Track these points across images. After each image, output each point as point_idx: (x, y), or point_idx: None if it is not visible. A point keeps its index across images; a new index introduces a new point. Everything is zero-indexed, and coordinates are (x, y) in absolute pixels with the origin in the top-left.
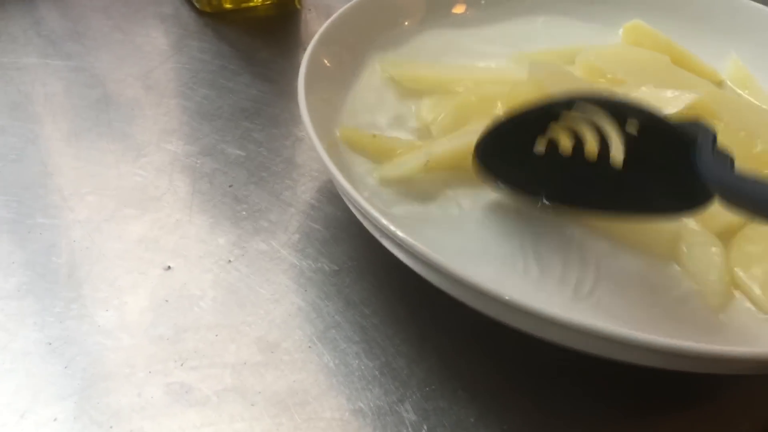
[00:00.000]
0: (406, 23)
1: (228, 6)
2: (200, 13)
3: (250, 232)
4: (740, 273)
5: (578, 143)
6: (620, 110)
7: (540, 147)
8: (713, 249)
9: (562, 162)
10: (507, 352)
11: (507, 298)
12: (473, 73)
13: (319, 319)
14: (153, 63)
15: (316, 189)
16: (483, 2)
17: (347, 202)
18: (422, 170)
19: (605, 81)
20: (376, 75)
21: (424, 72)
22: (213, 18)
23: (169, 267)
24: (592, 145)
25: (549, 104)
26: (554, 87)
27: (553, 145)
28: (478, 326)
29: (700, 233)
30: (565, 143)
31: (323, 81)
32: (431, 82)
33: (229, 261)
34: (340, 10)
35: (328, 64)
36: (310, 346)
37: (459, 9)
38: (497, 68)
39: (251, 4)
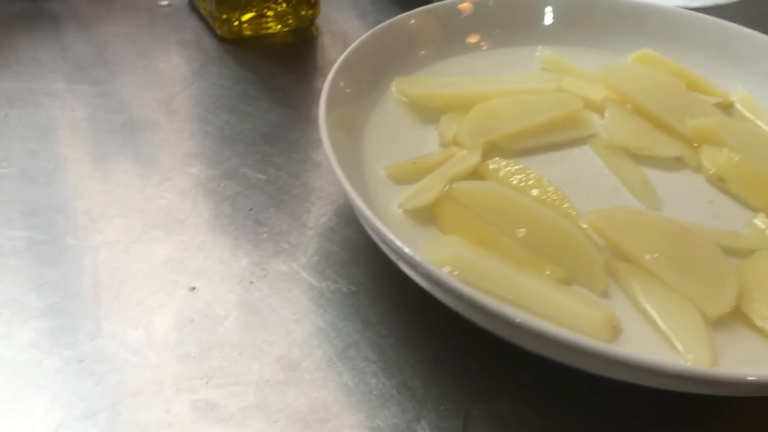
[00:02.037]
0: (422, 52)
1: (248, 33)
2: (221, 39)
3: (271, 253)
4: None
5: None
6: None
7: None
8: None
9: None
10: (522, 372)
11: (518, 321)
12: (492, 86)
13: (339, 339)
14: (176, 89)
15: (333, 212)
16: (497, 32)
17: (369, 231)
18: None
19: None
20: (393, 101)
21: (441, 89)
22: (233, 45)
23: (193, 288)
24: None
25: None
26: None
27: None
28: (493, 346)
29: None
30: None
31: (342, 108)
32: (449, 99)
33: (252, 282)
34: (360, 39)
35: (347, 91)
36: (329, 365)
37: (473, 39)
38: (515, 80)
39: (270, 31)
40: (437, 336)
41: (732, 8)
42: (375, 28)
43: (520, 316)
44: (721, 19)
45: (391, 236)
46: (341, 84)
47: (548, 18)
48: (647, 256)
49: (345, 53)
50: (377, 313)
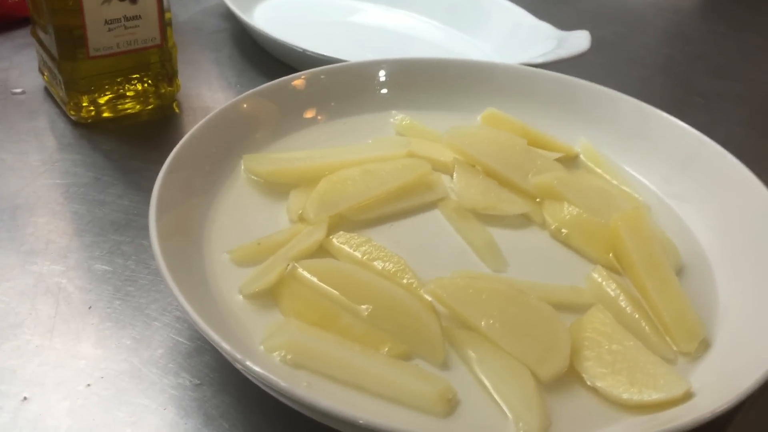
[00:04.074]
0: (260, 133)
1: (107, 115)
2: (77, 124)
3: (113, 351)
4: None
5: None
6: None
7: None
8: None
9: None
10: None
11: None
12: (340, 157)
13: None
14: (24, 181)
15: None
16: (333, 104)
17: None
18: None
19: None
20: (243, 181)
21: (288, 165)
22: (90, 128)
23: (25, 398)
24: None
25: None
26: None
27: None
28: None
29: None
30: None
31: (179, 205)
32: (296, 174)
33: (88, 385)
34: (190, 131)
35: (182, 187)
36: None
37: (310, 113)
38: (364, 149)
39: (129, 111)
40: (280, 424)
41: (572, 61)
42: (203, 120)
43: (337, 408)
44: (562, 74)
45: (208, 330)
46: (173, 184)
47: (390, 84)
48: (483, 322)
49: (172, 153)
50: (220, 406)
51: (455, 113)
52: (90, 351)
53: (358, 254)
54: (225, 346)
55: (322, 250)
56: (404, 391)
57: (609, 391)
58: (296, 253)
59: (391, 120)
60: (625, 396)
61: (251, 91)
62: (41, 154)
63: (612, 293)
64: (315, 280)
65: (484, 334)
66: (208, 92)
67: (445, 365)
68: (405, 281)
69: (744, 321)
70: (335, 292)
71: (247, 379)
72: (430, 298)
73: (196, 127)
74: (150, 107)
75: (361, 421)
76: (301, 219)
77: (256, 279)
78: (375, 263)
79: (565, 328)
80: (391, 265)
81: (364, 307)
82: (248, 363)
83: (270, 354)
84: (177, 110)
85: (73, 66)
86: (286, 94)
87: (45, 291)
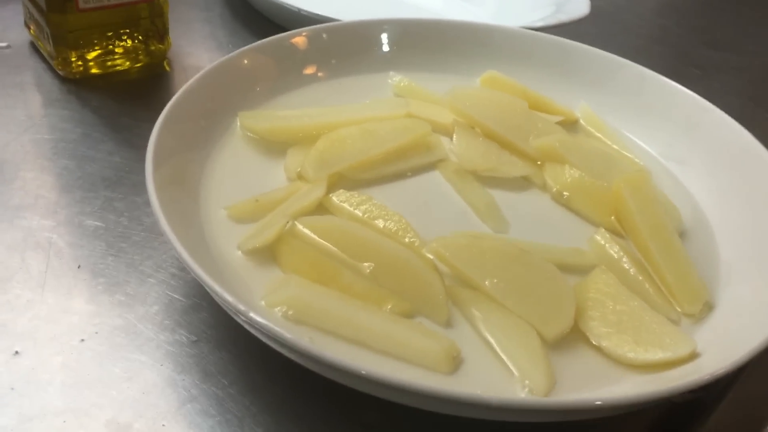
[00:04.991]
0: (258, 89)
1: (95, 71)
2: (64, 80)
3: (106, 307)
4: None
5: None
6: None
7: None
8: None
9: None
10: (368, 412)
11: (364, 372)
12: (339, 116)
13: (174, 395)
14: (11, 135)
15: (176, 257)
16: (334, 62)
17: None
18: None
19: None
20: (239, 138)
21: (286, 122)
22: (78, 84)
23: (16, 352)
24: None
25: None
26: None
27: None
28: (337, 387)
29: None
30: None
31: (175, 157)
32: (294, 132)
33: (82, 340)
34: (188, 83)
35: (180, 139)
36: (163, 425)
37: (310, 70)
38: (363, 108)
39: (119, 68)
40: (281, 382)
41: (574, 26)
42: (201, 73)
43: (341, 359)
44: (563, 38)
45: (210, 281)
46: (169, 136)
47: (390, 45)
48: (487, 282)
49: (168, 105)
50: (218, 363)
51: (453, 76)
52: (83, 306)
53: (358, 212)
54: (228, 297)
55: (321, 209)
56: (409, 347)
57: (614, 350)
58: (296, 210)
59: (389, 81)
60: (630, 355)
61: (250, 45)
62: (28, 109)
63: (615, 255)
64: (315, 236)
65: (487, 293)
66: (199, 51)
67: (448, 324)
68: (407, 240)
69: (746, 284)
70: (336, 249)
71: (246, 335)
72: (432, 257)
73: (193, 79)
74: (139, 65)
75: (365, 373)
76: (300, 177)
77: (255, 235)
78: (376, 222)
79: (569, 287)
80: (393, 224)
81: (366, 264)
82: (252, 315)
83: (271, 309)
84: (168, 68)
85: (62, 19)
86: (286, 50)
87: (35, 246)
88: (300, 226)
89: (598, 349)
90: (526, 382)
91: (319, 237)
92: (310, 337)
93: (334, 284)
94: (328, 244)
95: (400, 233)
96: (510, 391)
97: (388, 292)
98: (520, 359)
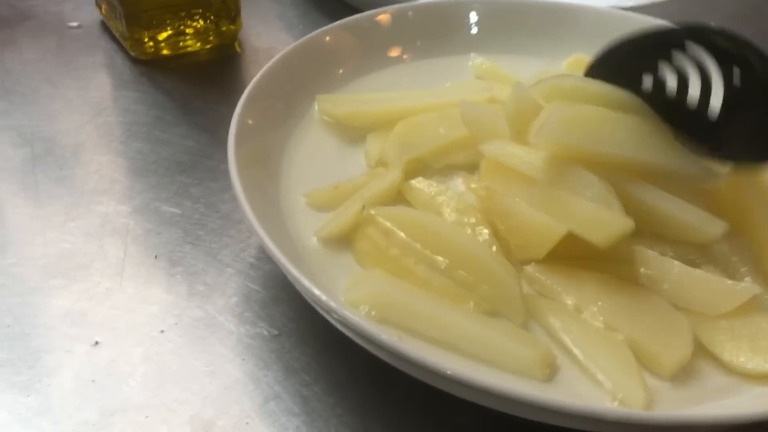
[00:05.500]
0: (341, 71)
1: (166, 53)
2: (135, 61)
3: (185, 297)
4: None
5: (681, 85)
6: (730, 54)
7: (647, 85)
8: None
9: (665, 102)
10: (458, 415)
11: (449, 373)
12: (418, 100)
13: (257, 391)
14: (84, 118)
15: (255, 246)
16: (418, 43)
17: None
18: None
19: None
20: (317, 122)
21: (366, 107)
22: (149, 66)
23: (96, 342)
24: (694, 93)
25: (660, 37)
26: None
27: (658, 84)
28: (424, 391)
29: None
30: (671, 85)
31: (255, 140)
32: (374, 117)
33: (162, 331)
34: (271, 62)
35: (260, 122)
36: (247, 422)
37: (394, 52)
38: (444, 92)
39: (190, 49)
40: (365, 381)
41: (665, 5)
42: (285, 50)
43: (448, 366)
44: (656, 18)
45: (300, 277)
46: (251, 116)
47: (474, 26)
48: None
49: (252, 83)
50: (301, 359)
51: (537, 59)
52: (162, 296)
53: (436, 202)
54: (319, 295)
55: (399, 196)
56: (502, 353)
57: (729, 359)
58: (372, 195)
59: (470, 63)
60: (749, 366)
61: (335, 24)
62: (101, 90)
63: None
64: (391, 226)
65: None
66: (269, 32)
67: (524, 327)
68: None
69: None
70: (411, 240)
71: (327, 330)
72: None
73: (273, 59)
74: (209, 46)
75: (469, 380)
76: (380, 163)
77: (331, 222)
78: (452, 213)
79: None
80: (469, 217)
81: (441, 258)
82: (346, 313)
83: (355, 307)
84: (239, 49)
85: None
86: (370, 29)
87: (112, 232)
88: (376, 215)
89: (711, 357)
90: (620, 395)
91: (395, 227)
92: (399, 336)
93: (411, 278)
94: (404, 235)
95: (477, 229)
96: (601, 403)
97: (465, 289)
98: (613, 371)
